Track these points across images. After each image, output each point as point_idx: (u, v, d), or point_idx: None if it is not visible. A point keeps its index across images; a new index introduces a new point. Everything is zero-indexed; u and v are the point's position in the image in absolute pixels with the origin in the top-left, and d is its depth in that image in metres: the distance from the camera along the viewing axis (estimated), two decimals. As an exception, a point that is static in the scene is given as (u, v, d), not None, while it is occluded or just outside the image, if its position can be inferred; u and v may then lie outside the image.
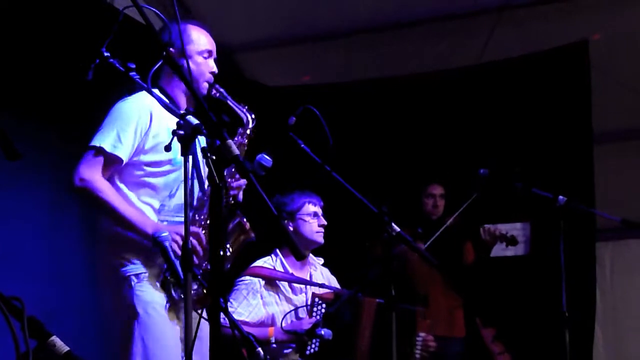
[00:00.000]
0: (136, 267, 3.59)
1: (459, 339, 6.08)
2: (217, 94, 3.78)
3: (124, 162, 3.59)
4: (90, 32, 4.07)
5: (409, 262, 5.90)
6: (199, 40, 3.81)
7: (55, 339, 2.32)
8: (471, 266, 6.12)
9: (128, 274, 3.58)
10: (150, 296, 3.57)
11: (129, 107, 3.62)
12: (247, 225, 3.68)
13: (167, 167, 3.63)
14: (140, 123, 3.59)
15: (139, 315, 3.55)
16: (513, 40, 6.62)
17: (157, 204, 3.68)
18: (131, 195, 3.65)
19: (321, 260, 5.33)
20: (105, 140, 3.56)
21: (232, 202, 3.73)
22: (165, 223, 3.65)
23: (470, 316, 6.19)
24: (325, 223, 5.15)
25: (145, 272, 3.58)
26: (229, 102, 3.80)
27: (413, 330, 5.10)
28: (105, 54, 3.32)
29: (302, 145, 4.00)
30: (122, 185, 3.65)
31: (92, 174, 3.54)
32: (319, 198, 5.18)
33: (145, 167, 3.65)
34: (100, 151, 3.55)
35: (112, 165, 3.58)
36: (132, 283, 3.57)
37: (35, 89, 4.90)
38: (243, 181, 3.69)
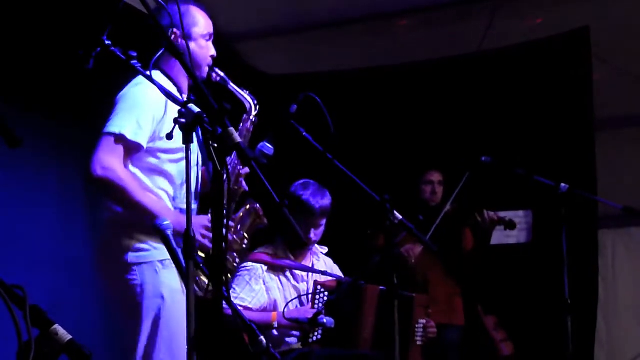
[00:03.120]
0: (160, 253, 3.48)
1: (457, 326, 6.07)
2: (218, 78, 3.76)
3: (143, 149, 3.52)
4: (90, 19, 4.06)
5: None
6: (202, 23, 3.78)
7: (57, 327, 2.31)
8: (470, 253, 6.11)
9: (152, 259, 3.51)
10: (175, 283, 3.51)
11: (145, 93, 3.52)
12: (261, 211, 3.67)
13: (180, 155, 3.54)
14: (157, 110, 3.52)
15: (165, 301, 3.49)
16: (513, 27, 6.61)
17: (172, 192, 3.63)
18: (147, 181, 3.57)
19: (325, 249, 5.33)
20: (125, 126, 3.45)
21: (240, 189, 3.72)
22: (177, 211, 3.61)
23: (471, 304, 6.19)
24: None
25: (169, 259, 3.41)
26: (229, 86, 3.77)
27: (411, 317, 5.10)
28: (106, 42, 3.30)
29: (304, 133, 3.98)
30: (136, 171, 3.56)
31: (115, 162, 3.43)
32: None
33: (160, 154, 3.57)
34: (121, 139, 3.45)
35: (131, 152, 3.50)
36: (157, 268, 3.50)
37: (38, 76, 4.90)
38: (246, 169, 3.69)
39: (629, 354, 6.93)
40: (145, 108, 3.51)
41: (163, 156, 3.59)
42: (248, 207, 3.93)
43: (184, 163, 3.52)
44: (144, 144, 3.51)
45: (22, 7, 4.81)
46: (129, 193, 3.44)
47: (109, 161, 3.42)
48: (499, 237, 6.01)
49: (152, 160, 3.59)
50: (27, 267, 4.67)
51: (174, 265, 3.49)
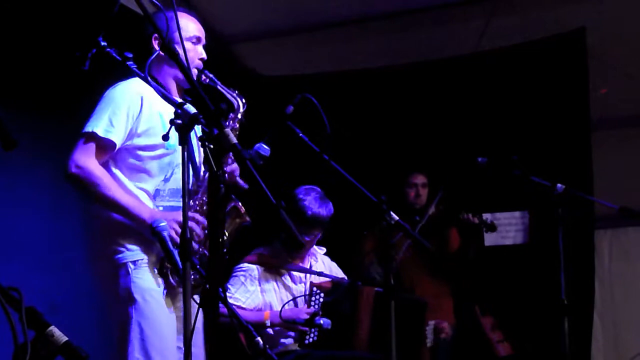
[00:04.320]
0: (133, 254, 3.57)
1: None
2: (207, 80, 3.78)
3: (117, 147, 3.57)
4: (87, 21, 4.06)
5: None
6: (187, 26, 3.78)
7: (53, 329, 2.31)
8: (457, 253, 6.12)
9: (124, 260, 3.56)
10: (148, 283, 3.56)
11: (119, 92, 3.61)
12: (242, 209, 3.68)
13: (160, 151, 3.61)
14: (132, 107, 3.58)
15: (136, 302, 3.53)
16: (510, 28, 6.61)
17: (152, 189, 3.66)
18: (126, 181, 3.62)
19: (323, 250, 5.33)
20: (97, 125, 3.53)
21: (227, 186, 3.71)
22: (160, 208, 3.65)
23: (467, 304, 6.20)
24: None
25: (143, 259, 3.57)
26: (218, 87, 3.79)
27: (423, 322, 5.12)
28: (102, 43, 3.31)
29: (300, 134, 3.98)
30: (117, 172, 3.63)
31: (88, 160, 3.51)
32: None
33: (139, 152, 3.63)
34: (92, 137, 3.53)
35: (106, 150, 3.56)
36: (129, 269, 3.55)
37: (33, 78, 4.90)
38: (234, 166, 3.70)
39: (625, 354, 6.93)
40: (119, 106, 3.58)
41: (142, 154, 3.64)
42: (231, 204, 3.93)
43: (166, 159, 3.64)
44: (117, 141, 3.56)
45: (19, 9, 4.80)
46: (102, 189, 3.51)
47: (82, 160, 3.51)
48: (494, 238, 6.02)
49: (131, 158, 3.64)
50: (22, 269, 4.66)
51: (147, 265, 3.57)
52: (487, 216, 5.94)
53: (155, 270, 3.58)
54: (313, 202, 4.99)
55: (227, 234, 3.66)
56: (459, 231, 6.10)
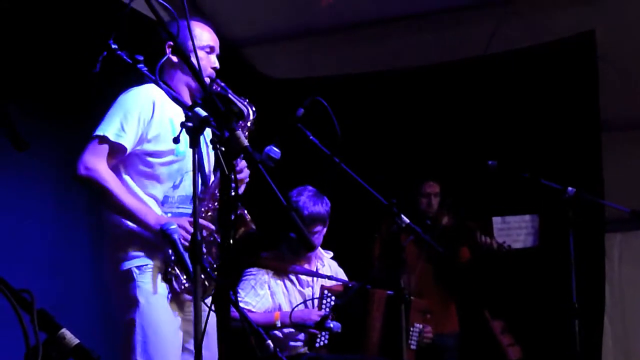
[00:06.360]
0: (138, 260, 3.60)
1: (453, 333, 6.09)
2: (218, 88, 3.81)
3: (128, 151, 3.60)
4: (96, 23, 4.07)
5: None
6: (201, 36, 3.84)
7: (65, 331, 2.31)
8: (466, 265, 6.12)
9: (129, 267, 3.60)
10: (152, 287, 3.59)
11: (132, 97, 3.64)
12: (248, 217, 3.69)
13: (170, 158, 3.64)
14: (143, 112, 3.61)
15: (139, 305, 3.57)
16: (519, 31, 6.59)
17: (160, 196, 3.69)
18: (135, 187, 3.65)
19: (330, 254, 5.32)
20: (108, 129, 3.56)
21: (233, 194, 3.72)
22: (169, 215, 3.67)
23: (477, 309, 6.19)
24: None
25: (147, 264, 3.60)
26: (229, 95, 3.81)
27: (407, 320, 5.08)
28: (113, 46, 3.32)
29: (311, 137, 3.98)
30: (127, 177, 3.66)
31: (97, 163, 3.55)
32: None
33: (148, 158, 3.65)
34: (104, 140, 3.56)
35: (116, 154, 3.60)
36: (134, 275, 3.58)
37: (40, 81, 4.90)
38: (246, 173, 3.71)
39: (636, 357, 6.92)
40: (131, 111, 3.61)
41: (152, 160, 3.66)
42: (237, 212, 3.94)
43: (175, 166, 3.67)
44: (128, 146, 3.59)
45: (28, 12, 4.81)
46: (111, 192, 3.55)
47: (92, 162, 3.55)
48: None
49: (141, 163, 3.67)
50: (27, 272, 4.66)
51: (151, 270, 3.60)
52: (500, 232, 5.92)
53: (160, 276, 3.61)
54: (307, 201, 5.01)
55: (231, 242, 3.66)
56: (470, 248, 6.12)
